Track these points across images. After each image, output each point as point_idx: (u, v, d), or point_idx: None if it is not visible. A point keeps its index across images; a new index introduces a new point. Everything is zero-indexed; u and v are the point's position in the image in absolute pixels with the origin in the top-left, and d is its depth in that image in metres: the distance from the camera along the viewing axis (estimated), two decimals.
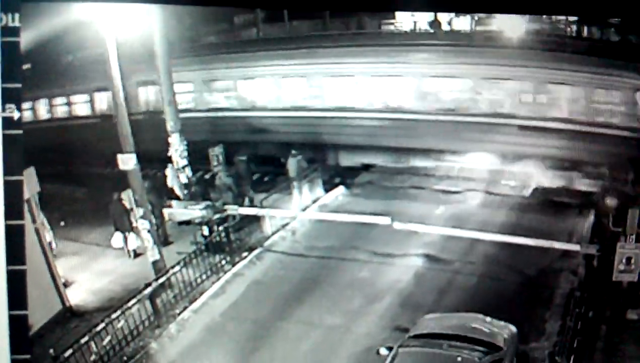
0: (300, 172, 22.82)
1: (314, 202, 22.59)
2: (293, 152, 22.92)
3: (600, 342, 14.85)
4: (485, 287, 17.19)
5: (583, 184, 21.50)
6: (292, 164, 22.83)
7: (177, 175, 20.68)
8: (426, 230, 19.35)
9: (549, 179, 22.26)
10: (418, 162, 24.24)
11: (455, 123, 23.27)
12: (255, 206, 21.16)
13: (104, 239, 20.41)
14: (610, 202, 18.46)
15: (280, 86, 25.79)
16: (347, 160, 25.28)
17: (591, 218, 20.02)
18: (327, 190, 23.28)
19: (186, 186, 20.62)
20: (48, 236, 19.27)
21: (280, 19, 26.66)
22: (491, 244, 18.41)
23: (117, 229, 20.21)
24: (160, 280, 17.23)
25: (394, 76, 24.20)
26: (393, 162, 24.63)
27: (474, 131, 22.94)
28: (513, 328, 13.96)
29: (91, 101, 27.86)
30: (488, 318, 14.14)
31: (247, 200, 21.82)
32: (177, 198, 20.60)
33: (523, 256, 17.81)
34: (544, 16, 24.46)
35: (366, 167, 25.13)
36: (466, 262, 18.34)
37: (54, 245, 19.64)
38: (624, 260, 15.08)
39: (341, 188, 23.71)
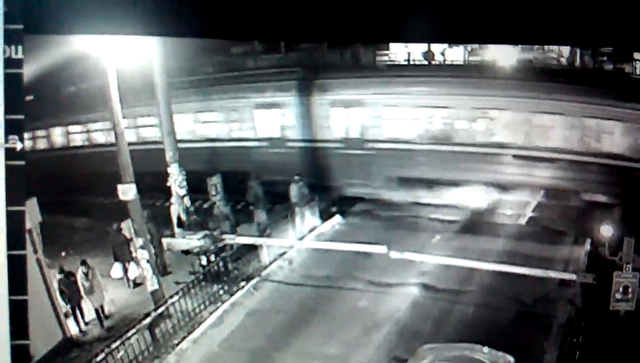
0: (301, 198, 22.79)
1: (311, 231, 22.49)
2: (295, 177, 22.96)
3: None
4: (483, 316, 16.99)
5: (579, 213, 21.45)
6: (294, 190, 22.86)
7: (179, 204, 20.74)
8: (423, 259, 19.22)
9: (545, 208, 22.35)
10: (414, 191, 24.17)
11: (452, 153, 23.35)
12: (267, 234, 21.10)
13: (104, 269, 20.03)
14: (606, 230, 18.23)
15: (277, 117, 25.95)
16: (345, 190, 25.35)
17: (587, 246, 19.87)
18: (323, 219, 23.24)
19: (185, 216, 20.51)
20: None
21: (277, 50, 26.90)
22: (488, 273, 18.29)
23: (116, 259, 20.12)
24: (159, 310, 17.11)
25: (390, 106, 24.31)
26: (389, 191, 24.58)
27: (469, 160, 23.01)
28: (511, 359, 13.74)
29: (92, 131, 28.19)
30: (486, 349, 13.94)
31: (258, 227, 21.82)
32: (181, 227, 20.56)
33: (520, 285, 17.64)
34: (536, 46, 24.66)
35: (362, 197, 25.08)
36: (463, 291, 18.17)
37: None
38: (620, 289, 14.97)
39: (337, 217, 23.69)
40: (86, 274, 18.06)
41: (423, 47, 25.98)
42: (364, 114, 24.69)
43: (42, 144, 29.74)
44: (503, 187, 22.89)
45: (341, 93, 24.83)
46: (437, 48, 26.08)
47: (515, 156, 22.48)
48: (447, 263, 18.92)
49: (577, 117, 21.60)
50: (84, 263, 18.14)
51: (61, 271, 17.90)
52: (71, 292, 17.90)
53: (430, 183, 23.89)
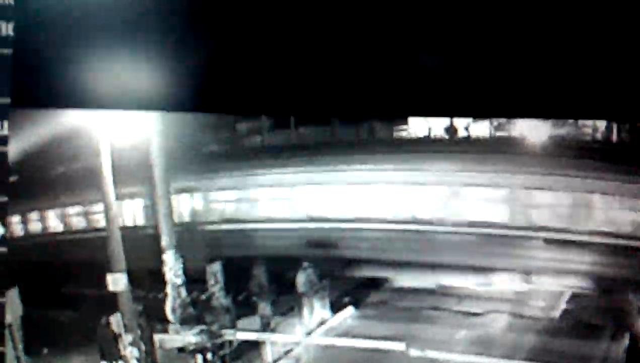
0: (310, 287, 22.19)
1: (320, 324, 21.76)
2: (304, 264, 22.38)
3: None
4: None
5: (617, 304, 20.64)
6: (302, 278, 22.19)
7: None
8: (446, 357, 18.60)
9: (580, 299, 21.60)
10: (436, 280, 23.66)
11: (476, 236, 22.79)
12: (271, 329, 20.69)
13: None
14: None
15: (285, 196, 25.68)
16: (357, 276, 24.75)
17: (626, 341, 19.22)
18: (334, 311, 22.58)
19: (180, 308, 20.05)
20: None
21: (286, 125, 26.83)
22: None
23: (103, 357, 19.13)
24: None
25: (410, 185, 23.96)
26: (408, 280, 24.16)
27: (496, 245, 22.43)
28: None
29: (81, 215, 28.21)
30: None
31: (261, 321, 21.29)
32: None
33: None
34: (571, 120, 24.53)
35: (377, 285, 24.61)
36: None
37: None
38: None
39: (350, 309, 22.94)
40: None
41: (444, 121, 25.84)
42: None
43: (25, 230, 29.94)
44: (534, 276, 22.17)
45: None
46: (460, 122, 25.72)
47: (546, 240, 21.86)
48: (474, 362, 18.34)
49: (618, 196, 21.03)
50: None
51: None
52: None
53: (455, 271, 23.31)
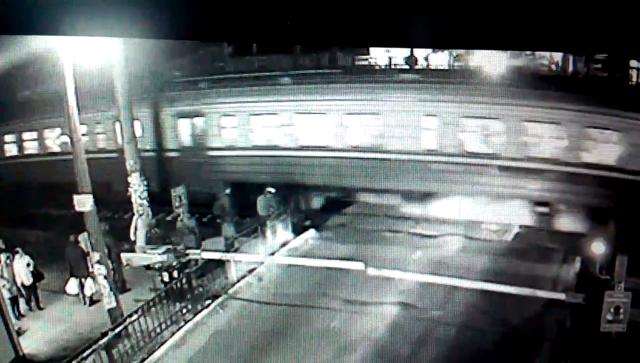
0: (269, 211, 22.88)
1: (283, 245, 22.43)
2: (266, 190, 23.08)
3: None
4: (466, 338, 17.09)
5: (569, 229, 21.46)
6: (261, 203, 22.98)
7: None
8: (402, 276, 19.26)
9: (533, 223, 22.32)
10: (394, 204, 24.21)
11: (434, 163, 23.23)
12: (235, 249, 21.15)
13: (58, 285, 20.10)
14: (597, 248, 18.47)
15: (248, 124, 25.97)
16: (319, 201, 25.49)
17: (577, 265, 19.91)
18: (296, 233, 23.20)
19: (146, 228, 20.48)
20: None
21: (249, 52, 26.97)
22: (471, 292, 18.32)
23: (72, 274, 19.93)
24: (117, 330, 17.03)
25: (369, 114, 24.44)
26: (367, 204, 24.69)
27: (452, 172, 22.93)
28: None
29: (47, 138, 28.02)
30: None
31: (225, 242, 21.62)
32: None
33: (505, 305, 17.68)
34: (527, 52, 24.86)
35: (339, 209, 25.19)
36: (445, 311, 18.11)
37: None
38: (612, 310, 15.08)
39: (312, 232, 23.62)
40: None
41: (405, 51, 26.02)
42: None
43: None
44: (489, 201, 22.74)
45: None
46: (420, 53, 25.98)
47: (501, 168, 22.53)
48: (428, 281, 18.91)
49: (567, 125, 21.77)
50: None
51: None
52: None
53: (412, 196, 23.79)
